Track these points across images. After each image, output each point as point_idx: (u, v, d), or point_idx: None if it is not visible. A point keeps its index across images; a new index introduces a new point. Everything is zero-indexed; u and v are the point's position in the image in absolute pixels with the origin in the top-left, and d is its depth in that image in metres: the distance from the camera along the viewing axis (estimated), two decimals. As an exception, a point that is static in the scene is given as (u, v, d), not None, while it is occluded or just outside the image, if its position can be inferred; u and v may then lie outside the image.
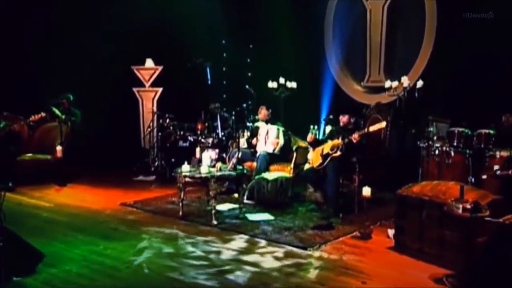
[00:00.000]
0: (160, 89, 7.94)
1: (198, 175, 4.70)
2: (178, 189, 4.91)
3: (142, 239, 4.20)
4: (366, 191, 4.26)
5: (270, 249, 4.03)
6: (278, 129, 5.95)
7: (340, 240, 4.26)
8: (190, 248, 4.04)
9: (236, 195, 5.65)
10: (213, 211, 4.68)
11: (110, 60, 7.46)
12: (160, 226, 4.61)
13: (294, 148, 5.86)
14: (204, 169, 4.70)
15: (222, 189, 5.99)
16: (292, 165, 5.76)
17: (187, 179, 4.86)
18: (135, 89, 7.97)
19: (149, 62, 8.00)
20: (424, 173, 5.05)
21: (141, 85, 7.98)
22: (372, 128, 4.75)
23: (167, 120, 7.14)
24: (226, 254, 3.88)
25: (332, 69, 7.17)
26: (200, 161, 4.91)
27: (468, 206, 3.09)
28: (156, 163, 7.13)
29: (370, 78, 6.92)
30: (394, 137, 5.65)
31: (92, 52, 7.40)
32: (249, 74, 7.88)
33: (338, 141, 5.10)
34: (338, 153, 5.01)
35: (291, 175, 5.67)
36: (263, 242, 4.19)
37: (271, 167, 5.87)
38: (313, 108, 6.95)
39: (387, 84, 5.85)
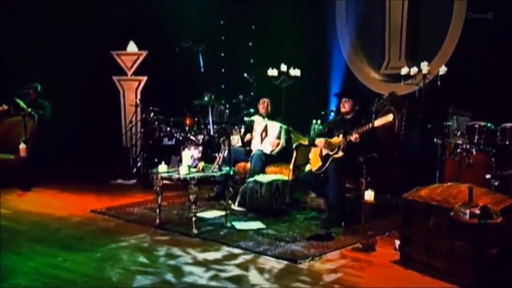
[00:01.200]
0: (144, 78, 8.10)
1: (176, 177, 4.81)
2: (155, 193, 5.03)
3: (108, 251, 4.32)
4: (369, 195, 4.30)
5: (254, 262, 4.11)
6: (281, 127, 6.03)
7: (338, 253, 4.31)
8: (161, 260, 4.14)
9: (230, 201, 5.76)
10: (194, 219, 4.78)
11: (86, 43, 7.60)
12: (132, 235, 4.73)
13: (294, 146, 5.94)
14: (183, 170, 4.81)
15: (210, 194, 6.13)
16: (291, 166, 5.84)
17: (165, 181, 4.97)
18: (115, 78, 8.13)
19: (132, 46, 8.14)
20: (441, 175, 5.07)
21: (123, 73, 8.14)
22: (378, 123, 4.79)
23: (151, 114, 7.31)
24: (202, 269, 3.97)
25: (344, 54, 7.24)
26: (180, 160, 5.02)
27: (477, 211, 3.14)
28: (139, 164, 7.31)
29: (389, 65, 6.96)
30: (411, 133, 5.70)
31: (65, 34, 7.51)
32: (251, 60, 8.01)
33: (338, 139, 5.13)
34: (340, 153, 5.04)
35: (289, 178, 5.75)
36: (247, 255, 4.27)
37: (267, 169, 5.97)
38: (319, 100, 7.04)
39: (404, 70, 5.90)
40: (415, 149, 6.06)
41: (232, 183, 5.78)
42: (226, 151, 6.10)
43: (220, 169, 5.01)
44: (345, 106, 5.27)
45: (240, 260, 4.16)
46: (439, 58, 6.27)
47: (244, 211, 5.55)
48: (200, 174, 4.85)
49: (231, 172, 5.09)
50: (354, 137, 4.90)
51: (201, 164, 4.98)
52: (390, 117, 4.72)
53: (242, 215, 5.42)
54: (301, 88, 6.77)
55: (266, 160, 5.96)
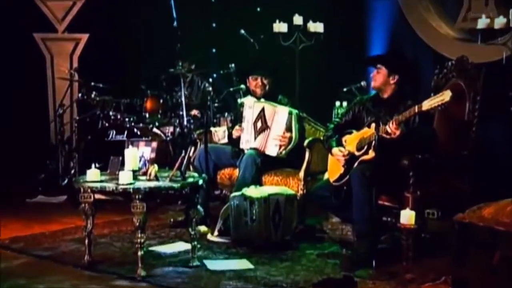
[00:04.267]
0: (83, 37, 8.28)
1: (112, 188, 4.87)
2: (83, 215, 5.12)
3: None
4: (407, 217, 4.35)
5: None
6: (290, 113, 6.07)
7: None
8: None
9: (202, 228, 5.83)
10: (140, 254, 4.85)
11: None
12: (44, 280, 4.78)
13: (307, 142, 6.00)
14: (124, 178, 4.89)
15: (177, 217, 6.22)
16: (301, 173, 5.90)
17: (98, 196, 5.05)
18: (37, 36, 8.30)
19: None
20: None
21: (50, 29, 8.34)
22: (427, 105, 4.80)
23: (93, 94, 7.44)
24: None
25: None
26: (122, 163, 5.11)
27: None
28: (72, 171, 7.43)
29: (469, 14, 7.02)
30: (491, 122, 5.71)
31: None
32: (258, 8, 8.14)
33: (369, 131, 5.14)
34: (371, 153, 5.07)
35: (299, 192, 5.81)
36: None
37: (265, 178, 6.03)
38: (351, 70, 7.06)
39: (482, 22, 5.92)
40: (498, 147, 6.05)
41: (205, 199, 5.88)
42: (198, 151, 6.20)
43: (182, 177, 5.07)
44: (376, 79, 5.30)
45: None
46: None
47: (226, 243, 5.60)
48: (150, 184, 4.91)
49: (200, 182, 5.15)
50: (391, 127, 4.92)
51: (154, 169, 5.05)
52: (445, 96, 4.70)
53: (222, 250, 5.46)
54: (324, 52, 6.81)
55: (264, 164, 6.02)
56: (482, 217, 3.96)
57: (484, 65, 5.76)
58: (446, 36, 7.16)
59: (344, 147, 5.34)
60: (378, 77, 5.29)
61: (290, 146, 6.04)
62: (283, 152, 6.05)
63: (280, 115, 6.08)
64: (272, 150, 6.07)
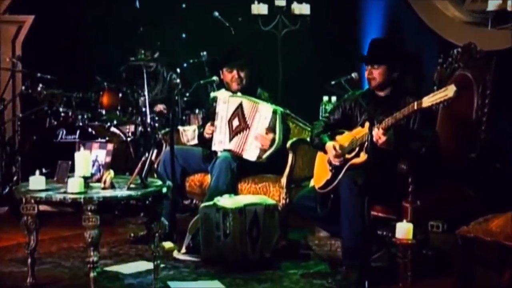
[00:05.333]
0: (28, 19, 8.19)
1: (59, 198, 4.86)
2: (25, 229, 5.08)
3: None
4: (403, 230, 4.36)
5: None
6: (275, 111, 6.07)
7: None
8: None
9: (167, 244, 5.81)
10: (92, 275, 4.84)
11: None
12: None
13: (289, 143, 6.01)
14: (73, 186, 4.87)
15: (138, 232, 6.21)
16: (284, 180, 5.91)
17: (44, 207, 5.03)
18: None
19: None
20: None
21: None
22: (428, 101, 4.81)
23: (39, 87, 7.39)
24: None
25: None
26: (72, 169, 5.09)
27: None
28: (15, 178, 7.38)
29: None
30: (503, 120, 5.75)
31: None
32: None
33: (362, 131, 5.15)
34: (363, 157, 5.07)
35: (281, 201, 5.84)
36: None
37: (241, 185, 6.05)
38: (341, 60, 7.08)
39: (493, 4, 5.95)
40: (511, 149, 6.07)
41: (170, 210, 5.86)
42: (163, 154, 6.18)
43: (143, 185, 5.06)
44: (374, 74, 5.27)
45: None
46: None
47: (195, 262, 5.60)
48: (104, 194, 4.89)
49: (164, 190, 5.14)
50: (376, 132, 4.92)
51: (109, 176, 5.04)
52: (449, 91, 4.70)
53: (190, 269, 5.46)
54: (311, 39, 6.79)
55: (241, 170, 6.04)
56: (489, 230, 3.95)
57: (495, 54, 5.77)
58: (453, 19, 7.17)
59: None
60: (377, 75, 5.28)
61: (272, 150, 6.04)
62: (264, 156, 6.06)
63: (262, 114, 6.08)
64: (251, 153, 6.07)
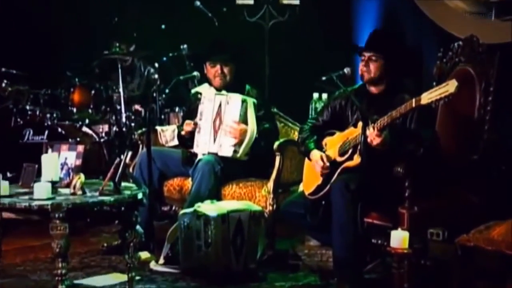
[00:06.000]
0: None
1: (24, 205, 4.83)
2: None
3: None
4: (398, 239, 4.38)
5: None
6: (244, 100, 6.12)
7: None
8: None
9: (143, 254, 5.82)
10: (61, 289, 4.84)
11: None
12: None
13: (277, 145, 6.04)
14: (40, 191, 4.88)
15: (112, 242, 6.22)
16: (271, 184, 5.95)
17: (6, 214, 4.99)
18: None
19: None
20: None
21: None
22: (427, 98, 4.78)
23: (3, 83, 7.39)
24: None
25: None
26: (39, 172, 5.10)
27: None
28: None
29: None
30: (507, 119, 5.79)
31: None
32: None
33: (355, 131, 5.16)
34: (356, 160, 5.09)
35: (267, 208, 5.88)
36: None
37: (225, 190, 6.10)
38: (333, 52, 7.10)
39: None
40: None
41: (147, 217, 5.88)
42: (139, 156, 6.19)
43: (116, 190, 5.08)
44: (370, 66, 5.29)
45: None
46: None
47: (174, 273, 5.62)
48: (74, 200, 4.88)
49: (140, 196, 5.15)
50: (371, 132, 4.92)
51: (79, 180, 5.05)
52: (450, 87, 4.70)
53: (169, 282, 5.47)
54: (300, 30, 6.79)
55: (225, 173, 6.07)
56: (490, 239, 3.97)
57: (499, 47, 5.79)
58: (456, 9, 7.17)
59: (324, 152, 5.36)
60: (373, 68, 5.30)
61: (246, 142, 6.08)
62: (240, 150, 6.09)
63: (231, 104, 6.15)
64: (225, 149, 6.10)
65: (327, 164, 5.26)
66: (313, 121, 5.63)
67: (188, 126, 6.28)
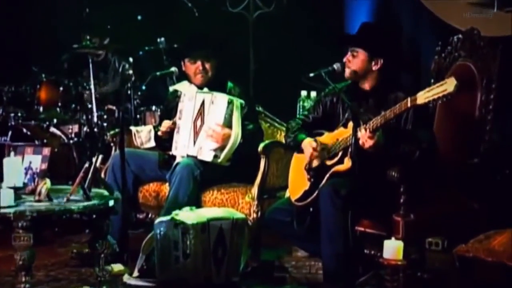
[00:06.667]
0: None
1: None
2: None
3: None
4: (392, 249, 4.40)
5: None
6: (230, 101, 6.12)
7: None
8: None
9: (116, 266, 5.83)
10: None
11: None
12: None
13: (262, 147, 6.05)
14: (3, 198, 4.87)
15: (83, 249, 6.22)
16: (255, 189, 5.98)
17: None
18: None
19: None
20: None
21: None
22: (424, 97, 4.75)
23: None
24: None
25: None
26: (1, 178, 5.10)
27: None
28: None
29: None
30: (511, 119, 5.79)
31: None
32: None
33: (345, 132, 5.18)
34: (347, 163, 5.10)
35: (252, 215, 5.90)
36: None
37: (205, 196, 6.11)
38: (322, 46, 7.05)
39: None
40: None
41: (120, 226, 5.87)
42: (112, 159, 6.21)
43: (86, 196, 5.09)
44: (351, 65, 5.32)
45: None
46: None
47: (150, 287, 5.63)
48: (39, 207, 4.88)
49: (111, 203, 5.17)
50: (363, 133, 4.93)
51: (45, 186, 5.06)
52: (449, 85, 4.69)
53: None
54: (287, 22, 6.79)
55: (205, 178, 6.07)
56: (491, 249, 3.99)
57: (501, 41, 5.83)
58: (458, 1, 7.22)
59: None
60: (354, 62, 5.33)
61: (229, 147, 6.07)
62: (222, 156, 6.08)
63: (216, 105, 6.13)
64: (205, 153, 6.09)
65: (319, 148, 5.28)
66: (302, 118, 5.65)
67: (166, 126, 6.27)
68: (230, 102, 6.06)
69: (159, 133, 6.33)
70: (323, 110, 5.55)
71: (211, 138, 6.03)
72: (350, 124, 5.15)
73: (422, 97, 4.78)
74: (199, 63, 6.24)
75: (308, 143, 5.34)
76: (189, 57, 6.27)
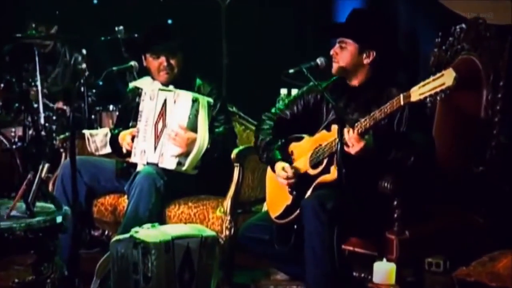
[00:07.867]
0: None
1: None
2: None
3: None
4: (383, 272, 4.47)
5: None
6: (195, 99, 6.14)
7: None
8: None
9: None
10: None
11: None
12: None
13: (235, 154, 6.11)
14: None
15: (26, 276, 6.23)
16: (228, 203, 6.03)
17: None
18: None
19: None
20: None
21: None
22: (418, 93, 4.73)
23: None
24: None
25: None
26: None
27: None
28: None
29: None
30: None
31: None
32: None
33: (329, 136, 5.19)
34: (333, 173, 5.08)
35: (224, 232, 5.96)
36: None
37: (170, 210, 6.18)
38: (307, 38, 7.25)
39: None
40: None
41: (71, 245, 5.91)
42: (61, 168, 6.23)
43: (29, 212, 5.12)
44: (339, 58, 5.33)
45: None
46: None
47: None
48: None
49: (59, 219, 5.18)
50: (349, 136, 4.91)
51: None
52: (446, 78, 4.61)
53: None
54: (265, 10, 6.83)
55: (171, 189, 6.12)
56: (495, 273, 4.03)
57: (510, 31, 5.86)
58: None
59: (291, 163, 5.39)
60: (343, 55, 5.35)
61: (193, 154, 6.09)
62: (187, 163, 6.10)
63: (180, 104, 6.14)
64: (167, 160, 6.10)
65: (292, 175, 5.29)
66: (278, 114, 5.67)
67: (128, 141, 6.27)
68: (195, 101, 6.07)
69: (125, 146, 6.28)
70: (304, 107, 5.56)
71: (174, 143, 6.04)
72: (334, 127, 5.11)
73: (417, 93, 4.73)
74: (163, 58, 6.26)
75: (280, 169, 5.36)
76: (151, 52, 6.28)
